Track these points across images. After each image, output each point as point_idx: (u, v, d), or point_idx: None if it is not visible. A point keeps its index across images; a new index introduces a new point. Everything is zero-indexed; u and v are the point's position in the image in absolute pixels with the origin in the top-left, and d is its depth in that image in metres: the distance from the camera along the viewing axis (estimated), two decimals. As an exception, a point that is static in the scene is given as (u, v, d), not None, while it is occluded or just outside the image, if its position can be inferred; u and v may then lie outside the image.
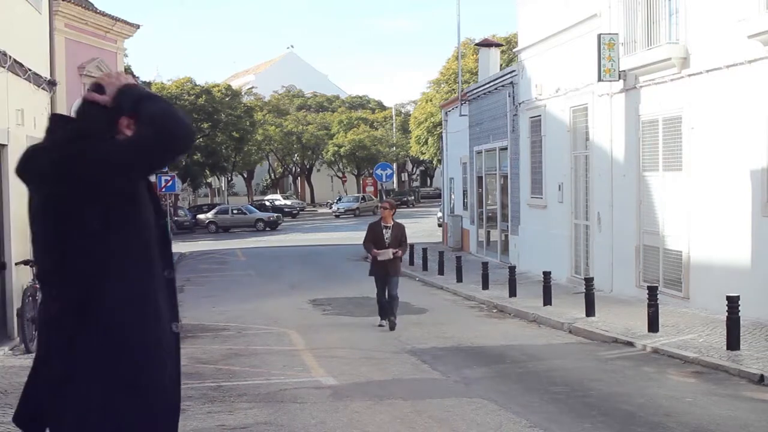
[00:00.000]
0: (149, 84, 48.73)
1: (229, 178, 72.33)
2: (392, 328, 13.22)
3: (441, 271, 21.95)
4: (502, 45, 36.47)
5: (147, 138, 2.81)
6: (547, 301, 15.13)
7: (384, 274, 13.48)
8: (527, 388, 8.96)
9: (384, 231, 13.61)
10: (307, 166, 79.07)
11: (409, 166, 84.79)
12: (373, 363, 10.48)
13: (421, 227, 39.69)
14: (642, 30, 15.30)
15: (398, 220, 14.21)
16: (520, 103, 22.11)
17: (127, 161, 2.84)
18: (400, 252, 13.67)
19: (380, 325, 13.51)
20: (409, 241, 14.41)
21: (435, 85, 55.17)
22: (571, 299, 15.62)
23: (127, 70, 35.32)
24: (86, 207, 2.82)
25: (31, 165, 2.90)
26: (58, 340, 2.85)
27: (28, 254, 12.13)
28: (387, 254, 13.37)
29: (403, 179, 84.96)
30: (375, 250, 13.47)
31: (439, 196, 51.13)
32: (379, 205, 14.91)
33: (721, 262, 13.15)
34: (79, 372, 2.81)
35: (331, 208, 66.15)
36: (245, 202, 64.19)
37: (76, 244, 2.84)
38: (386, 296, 13.51)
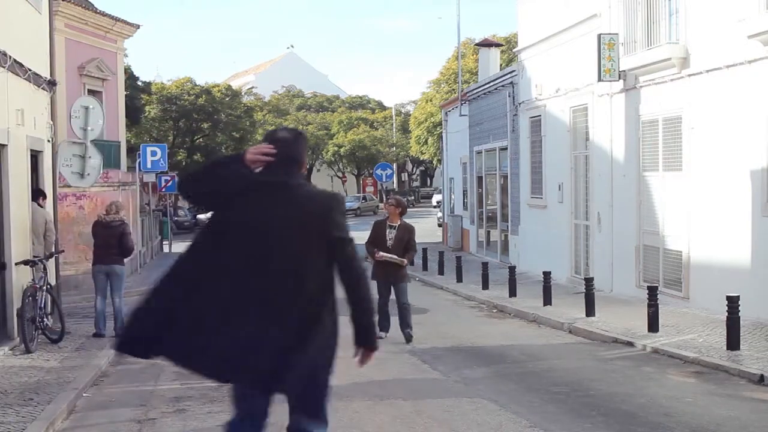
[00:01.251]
0: (149, 84, 48.63)
1: (230, 178, 72.23)
2: (408, 340, 11.92)
3: (441, 271, 21.96)
4: (502, 45, 36.44)
5: (361, 277, 4.39)
6: (547, 301, 15.13)
7: (386, 280, 11.94)
8: (527, 388, 8.96)
9: (388, 231, 12.02)
10: (307, 166, 79.08)
11: (409, 166, 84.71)
12: (373, 363, 10.46)
13: (421, 227, 39.60)
14: (642, 30, 15.31)
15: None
16: (520, 103, 22.12)
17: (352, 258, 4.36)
18: (405, 261, 11.88)
19: (379, 337, 12.51)
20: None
21: (435, 85, 55.08)
22: (571, 299, 15.62)
23: (127, 70, 35.29)
24: (323, 243, 4.23)
25: (311, 206, 4.29)
26: (291, 321, 4.13)
27: (28, 254, 12.14)
28: (388, 257, 11.78)
29: (403, 179, 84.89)
30: (377, 253, 11.87)
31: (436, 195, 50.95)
32: (385, 202, 13.88)
33: (721, 262, 13.15)
34: (313, 345, 4.18)
35: None
36: (245, 202, 64.05)
37: (318, 259, 4.24)
38: (388, 304, 12.03)
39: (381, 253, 11.81)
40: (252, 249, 4.16)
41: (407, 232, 12.07)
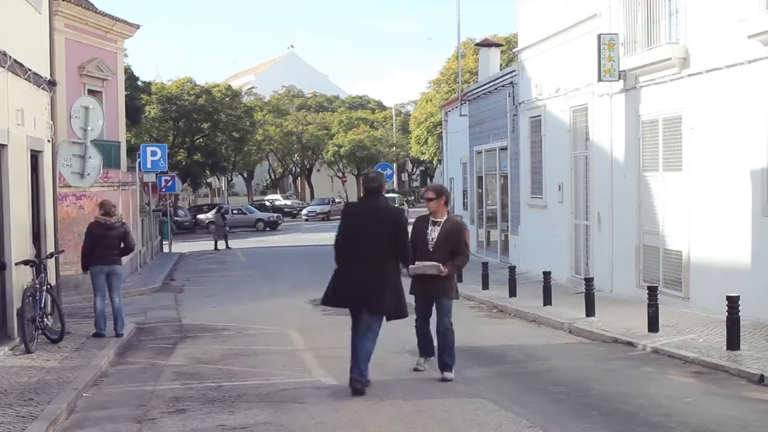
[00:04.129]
0: (149, 84, 48.63)
1: (229, 178, 72.32)
2: (444, 374, 9.26)
3: (441, 271, 21.89)
4: (502, 45, 36.45)
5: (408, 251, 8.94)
6: (547, 301, 15.12)
7: (424, 293, 9.35)
8: (527, 388, 8.97)
9: (430, 229, 9.30)
10: (307, 166, 79.03)
11: (409, 166, 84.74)
12: (373, 363, 10.43)
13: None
14: (642, 30, 15.31)
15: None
16: (520, 103, 22.12)
17: (405, 241, 8.88)
18: (445, 270, 9.05)
19: (416, 368, 9.68)
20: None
21: (435, 85, 55.06)
22: (571, 299, 15.62)
23: (127, 70, 35.29)
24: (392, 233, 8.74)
25: (384, 214, 8.85)
26: (379, 275, 8.60)
27: (28, 254, 12.15)
28: (421, 269, 9.10)
29: (403, 179, 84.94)
30: (410, 266, 9.07)
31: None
32: (422, 193, 11.07)
33: (721, 262, 13.16)
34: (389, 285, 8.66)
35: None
36: (245, 202, 64.23)
37: (390, 245, 8.71)
38: (429, 324, 9.57)
39: (412, 266, 9.13)
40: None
41: (455, 229, 9.32)
